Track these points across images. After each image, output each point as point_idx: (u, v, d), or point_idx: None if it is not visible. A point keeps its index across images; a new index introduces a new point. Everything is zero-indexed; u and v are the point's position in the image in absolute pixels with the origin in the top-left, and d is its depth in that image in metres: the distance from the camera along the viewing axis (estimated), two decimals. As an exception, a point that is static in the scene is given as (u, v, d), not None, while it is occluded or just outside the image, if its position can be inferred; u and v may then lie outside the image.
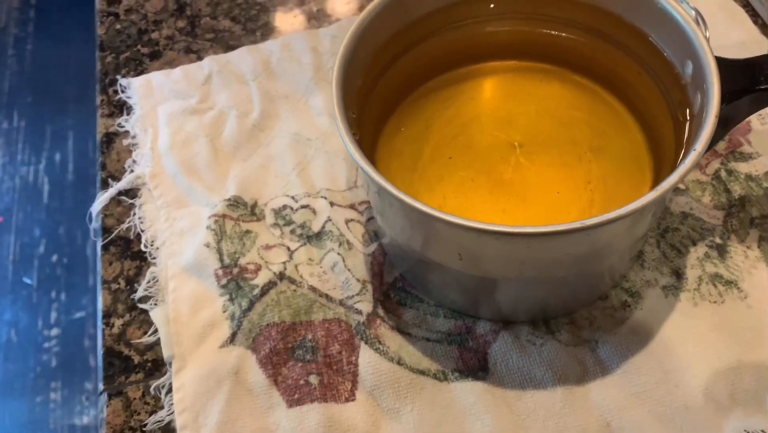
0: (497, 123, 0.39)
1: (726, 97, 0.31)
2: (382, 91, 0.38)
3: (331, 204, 0.42)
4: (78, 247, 1.48)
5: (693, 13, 0.41)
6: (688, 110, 0.33)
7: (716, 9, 0.48)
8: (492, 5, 0.39)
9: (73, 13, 1.78)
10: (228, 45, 0.51)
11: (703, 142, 0.29)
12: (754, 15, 0.48)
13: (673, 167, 0.30)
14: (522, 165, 0.37)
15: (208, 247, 0.40)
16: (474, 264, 0.33)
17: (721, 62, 0.32)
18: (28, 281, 1.41)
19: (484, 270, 0.33)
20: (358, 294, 0.38)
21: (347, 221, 0.41)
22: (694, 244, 0.38)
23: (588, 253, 0.32)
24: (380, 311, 0.38)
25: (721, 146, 0.41)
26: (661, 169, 0.35)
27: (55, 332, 1.37)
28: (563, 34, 0.39)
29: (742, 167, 0.40)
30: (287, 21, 0.52)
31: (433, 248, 0.34)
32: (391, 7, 0.36)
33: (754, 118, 0.42)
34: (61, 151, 1.58)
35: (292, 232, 0.41)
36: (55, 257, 1.44)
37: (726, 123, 0.34)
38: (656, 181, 0.35)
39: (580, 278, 0.35)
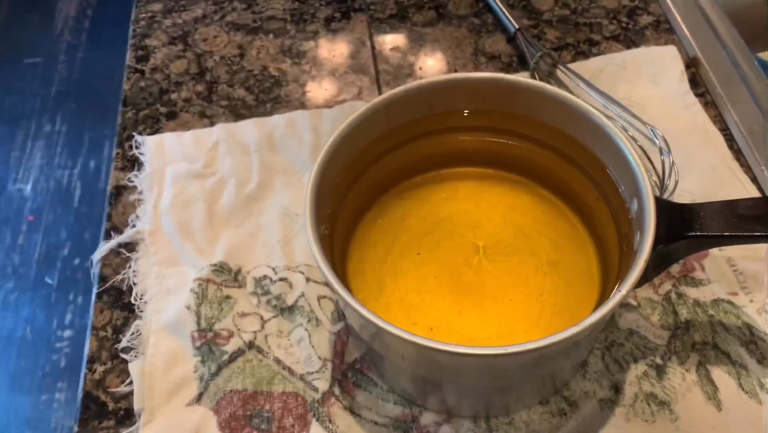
0: (466, 225, 0.42)
1: (663, 239, 0.34)
2: (362, 187, 0.42)
3: (307, 279, 0.45)
4: (93, 250, 1.53)
5: (657, 141, 0.44)
6: (631, 244, 0.36)
7: (693, 129, 0.50)
8: (466, 115, 0.42)
9: (124, 27, 1.86)
10: (239, 113, 0.55)
11: (628, 285, 0.32)
12: (730, 140, 0.50)
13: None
14: (483, 268, 0.40)
15: (188, 309, 0.44)
16: (417, 367, 0.36)
17: (664, 205, 0.35)
18: (49, 280, 1.47)
19: (425, 373, 0.36)
20: (317, 371, 0.42)
21: (319, 298, 0.44)
22: (636, 361, 0.41)
23: (521, 369, 0.35)
24: (336, 390, 0.41)
25: (675, 268, 0.44)
26: (606, 292, 0.38)
27: (68, 333, 1.42)
28: (532, 150, 0.42)
29: (692, 292, 0.43)
30: (296, 97, 0.56)
31: (379, 345, 0.37)
32: (374, 116, 0.39)
33: (713, 243, 0.45)
34: (95, 159, 1.65)
35: (268, 302, 0.45)
36: (77, 261, 1.49)
37: (662, 261, 0.36)
38: (601, 302, 0.38)
39: (521, 386, 0.38)
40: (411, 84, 0.40)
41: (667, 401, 0.39)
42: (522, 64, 0.56)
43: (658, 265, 0.37)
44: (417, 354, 0.34)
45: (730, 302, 0.42)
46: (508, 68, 0.56)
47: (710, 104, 0.52)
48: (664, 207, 0.35)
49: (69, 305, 1.44)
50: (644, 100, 0.52)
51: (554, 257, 0.41)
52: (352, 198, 0.41)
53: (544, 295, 0.39)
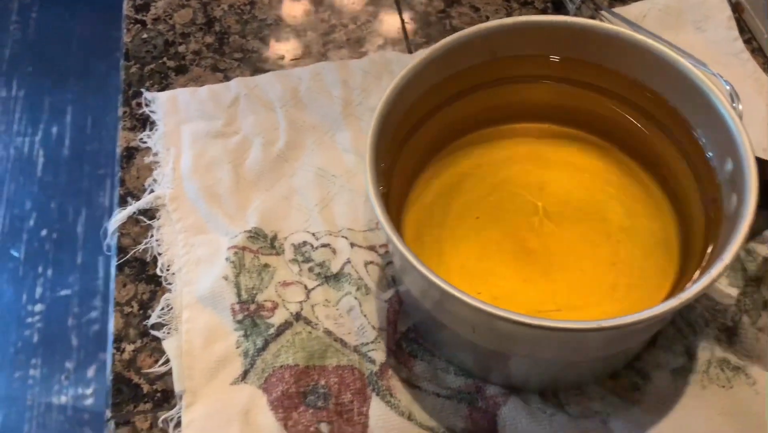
0: (528, 187, 0.39)
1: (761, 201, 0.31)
2: (417, 143, 0.38)
3: (352, 245, 0.42)
4: (68, 224, 1.47)
5: (728, 87, 0.42)
6: (720, 208, 0.33)
7: (744, 78, 0.48)
8: (531, 63, 0.39)
9: (80, -15, 1.75)
10: (255, 67, 0.51)
11: (731, 253, 0.29)
12: (782, 88, 0.48)
13: (700, 262, 0.30)
14: (548, 235, 0.38)
15: (226, 280, 0.40)
16: (488, 340, 0.33)
17: (761, 164, 0.32)
18: (15, 253, 1.40)
19: (496, 346, 0.34)
20: (372, 342, 0.39)
21: (366, 264, 0.41)
22: (707, 324, 0.39)
23: (603, 344, 0.32)
24: (392, 362, 0.38)
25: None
26: (688, 261, 0.35)
27: (39, 307, 1.36)
28: (604, 104, 0.39)
29: (761, 249, 0.41)
30: (316, 48, 0.52)
31: (447, 317, 0.34)
32: (433, 63, 0.36)
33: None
34: (58, 125, 1.57)
35: (311, 270, 0.41)
36: (44, 232, 1.43)
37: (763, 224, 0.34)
38: (683, 272, 0.35)
39: (594, 361, 0.36)
40: (473, 28, 0.36)
41: (740, 366, 0.37)
42: (557, 9, 0.53)
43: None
44: (494, 327, 0.31)
45: (798, 257, 0.41)
46: (543, 14, 0.53)
47: (757, 51, 0.50)
48: (762, 165, 0.32)
49: (38, 278, 1.38)
50: (690, 48, 0.49)
51: (627, 223, 0.38)
52: (406, 155, 0.38)
53: (617, 264, 0.37)
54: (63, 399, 1.28)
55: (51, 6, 1.75)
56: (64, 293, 1.38)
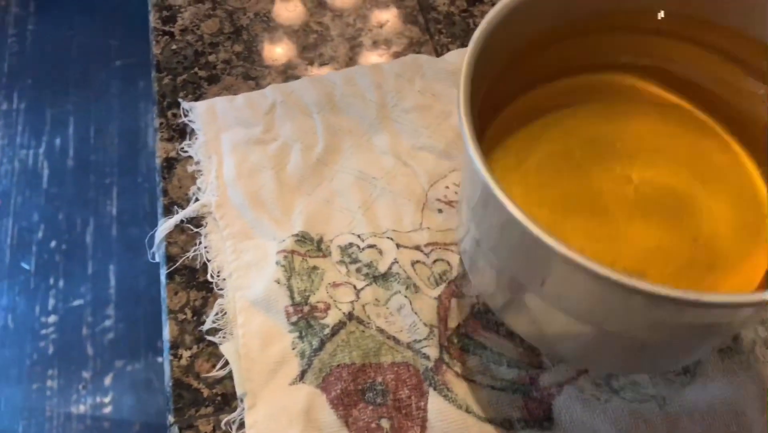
0: (615, 150, 0.37)
1: None
2: (510, 80, 0.36)
3: (398, 246, 0.43)
4: (77, 234, 1.47)
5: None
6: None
7: None
8: (660, 14, 0.36)
9: (75, -5, 1.76)
10: (287, 74, 0.52)
11: None
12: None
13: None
14: (630, 201, 0.36)
15: (278, 283, 0.41)
16: (589, 312, 0.30)
17: None
18: (25, 266, 1.40)
19: (590, 317, 0.31)
20: (425, 338, 0.40)
21: (413, 263, 0.42)
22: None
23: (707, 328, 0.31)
24: (446, 357, 0.39)
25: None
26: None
27: (52, 319, 1.37)
28: (732, 80, 0.37)
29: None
30: (344, 52, 0.53)
31: (517, 264, 0.31)
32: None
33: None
34: (61, 136, 1.57)
35: (358, 270, 0.42)
36: (53, 243, 1.43)
37: None
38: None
39: (670, 347, 0.33)
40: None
41: (786, 343, 0.39)
42: None
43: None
44: (594, 291, 0.28)
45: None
46: None
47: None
48: None
49: (50, 290, 1.39)
50: None
51: (716, 205, 0.36)
52: (495, 91, 0.35)
53: (699, 240, 0.35)
54: (82, 409, 1.28)
55: (47, 17, 1.75)
56: (76, 303, 1.39)
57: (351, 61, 0.52)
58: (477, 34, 0.31)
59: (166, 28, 0.55)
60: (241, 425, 0.38)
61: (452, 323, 0.40)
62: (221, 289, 0.42)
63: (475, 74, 0.30)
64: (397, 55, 0.52)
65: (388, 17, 0.55)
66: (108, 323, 1.37)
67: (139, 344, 1.33)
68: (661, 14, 0.36)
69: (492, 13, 0.32)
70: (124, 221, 1.48)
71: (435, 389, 0.38)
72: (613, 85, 0.39)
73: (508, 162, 0.37)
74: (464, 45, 0.52)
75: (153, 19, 0.56)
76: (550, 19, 0.35)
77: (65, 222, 1.49)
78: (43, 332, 1.35)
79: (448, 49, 0.52)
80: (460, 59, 0.49)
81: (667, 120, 0.39)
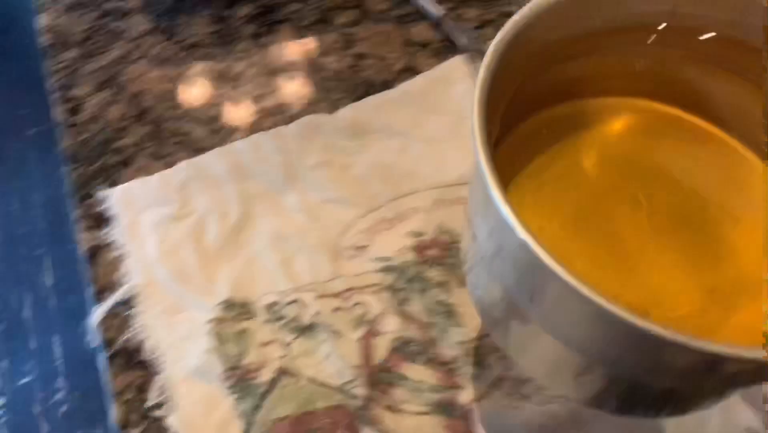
0: (629, 175, 0.35)
1: None
2: (525, 93, 0.34)
3: (318, 296, 0.47)
4: (13, 311, 1.46)
5: None
6: None
7: None
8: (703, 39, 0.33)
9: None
10: (195, 148, 0.55)
11: None
12: None
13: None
14: (641, 229, 0.33)
15: (210, 352, 0.44)
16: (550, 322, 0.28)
17: None
18: (-36, 348, 1.38)
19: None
20: (353, 380, 0.44)
21: (334, 310, 0.46)
22: None
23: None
24: (373, 394, 0.43)
25: None
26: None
27: (1, 401, 1.35)
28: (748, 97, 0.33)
29: None
30: (247, 120, 0.56)
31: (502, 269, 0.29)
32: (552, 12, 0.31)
33: None
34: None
35: (285, 326, 0.46)
36: (-9, 323, 1.41)
37: None
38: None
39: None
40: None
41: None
42: (455, 47, 0.59)
43: None
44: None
45: None
46: (439, 54, 0.59)
47: None
48: None
49: (-6, 373, 1.37)
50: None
51: (735, 229, 0.33)
52: (511, 103, 0.33)
53: (716, 292, 0.31)
54: (45, 487, 1.27)
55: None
56: (24, 381, 1.37)
57: (255, 126, 0.56)
58: (488, 56, 0.28)
59: (73, 120, 0.57)
60: (196, 490, 0.41)
61: (375, 361, 0.44)
62: (160, 365, 0.45)
63: (489, 97, 0.28)
64: (296, 117, 0.56)
65: (284, 82, 0.59)
66: (59, 396, 1.36)
67: (96, 411, 1.33)
68: (705, 36, 0.33)
69: (507, 27, 0.29)
70: (61, 289, 1.47)
71: (367, 425, 0.42)
72: (652, 110, 0.36)
73: (514, 168, 0.34)
74: (357, 99, 0.57)
75: (58, 112, 0.58)
76: (569, 33, 0.32)
77: (0, 301, 1.47)
78: (-7, 416, 1.33)
79: (343, 105, 0.57)
80: (353, 114, 0.54)
81: (700, 147, 0.35)
